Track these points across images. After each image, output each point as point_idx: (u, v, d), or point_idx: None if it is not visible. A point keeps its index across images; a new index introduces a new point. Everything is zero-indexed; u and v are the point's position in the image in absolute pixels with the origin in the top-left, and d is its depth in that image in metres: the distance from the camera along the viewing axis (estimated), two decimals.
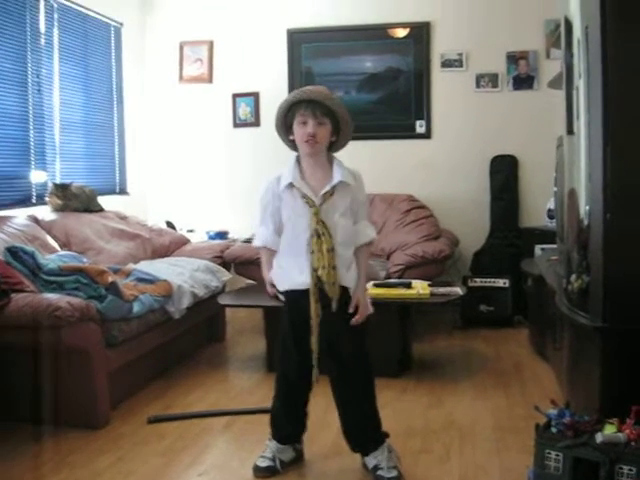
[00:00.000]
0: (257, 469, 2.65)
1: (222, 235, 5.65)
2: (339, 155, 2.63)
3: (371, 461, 2.60)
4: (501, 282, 5.06)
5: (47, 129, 4.76)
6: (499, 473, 2.63)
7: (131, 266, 4.11)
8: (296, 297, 2.54)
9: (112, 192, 5.62)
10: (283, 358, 2.68)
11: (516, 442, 2.89)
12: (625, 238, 2.46)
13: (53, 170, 4.83)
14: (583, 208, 2.68)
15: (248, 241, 5.18)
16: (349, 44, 5.75)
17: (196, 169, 6.12)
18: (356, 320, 2.56)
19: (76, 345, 3.06)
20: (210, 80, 6.05)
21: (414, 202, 5.45)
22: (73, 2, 5.04)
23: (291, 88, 5.61)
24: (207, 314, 4.43)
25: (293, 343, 2.60)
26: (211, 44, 6.02)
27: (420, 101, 5.66)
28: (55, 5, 4.84)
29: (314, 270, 2.47)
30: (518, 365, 4.07)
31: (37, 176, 4.63)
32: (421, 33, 5.60)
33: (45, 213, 4.38)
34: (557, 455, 2.22)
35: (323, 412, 3.01)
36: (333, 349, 2.57)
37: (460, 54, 5.56)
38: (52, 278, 3.29)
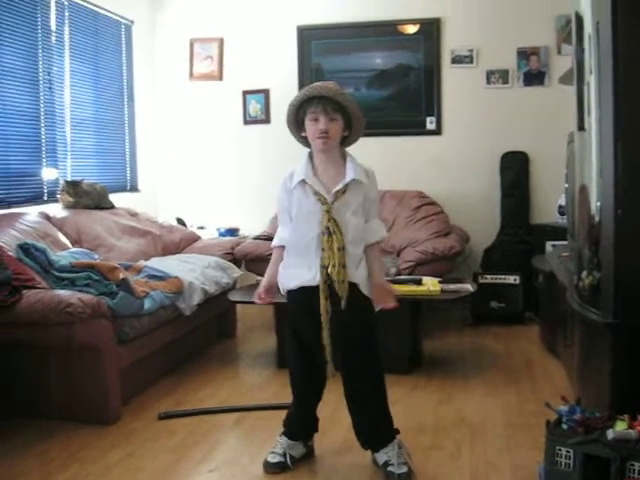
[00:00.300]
0: (267, 465, 2.66)
1: (232, 232, 5.66)
2: (349, 150, 2.62)
3: (382, 457, 2.60)
4: (512, 279, 5.04)
5: (58, 127, 4.78)
6: (510, 470, 2.63)
7: (142, 263, 4.12)
8: (306, 294, 2.53)
9: (123, 189, 5.64)
10: (290, 358, 2.71)
11: (527, 439, 2.88)
12: (636, 234, 2.45)
13: (64, 167, 4.85)
14: (594, 204, 2.66)
15: (259, 238, 5.20)
16: (359, 41, 5.73)
17: (206, 166, 6.13)
18: (388, 306, 2.56)
19: (87, 342, 3.08)
20: (220, 77, 6.06)
21: (424, 198, 5.44)
22: (84, 0, 5.06)
23: (301, 85, 5.61)
24: (218, 311, 4.44)
25: (299, 344, 2.63)
26: (221, 41, 6.03)
27: (430, 97, 5.64)
28: (66, 3, 4.85)
29: (324, 268, 2.47)
30: (529, 362, 4.06)
31: (48, 173, 4.66)
32: (431, 29, 5.58)
33: (56, 210, 4.40)
34: (568, 452, 2.21)
35: (334, 408, 3.02)
36: (343, 347, 2.57)
37: (470, 50, 5.53)
38: (64, 275, 3.31)
